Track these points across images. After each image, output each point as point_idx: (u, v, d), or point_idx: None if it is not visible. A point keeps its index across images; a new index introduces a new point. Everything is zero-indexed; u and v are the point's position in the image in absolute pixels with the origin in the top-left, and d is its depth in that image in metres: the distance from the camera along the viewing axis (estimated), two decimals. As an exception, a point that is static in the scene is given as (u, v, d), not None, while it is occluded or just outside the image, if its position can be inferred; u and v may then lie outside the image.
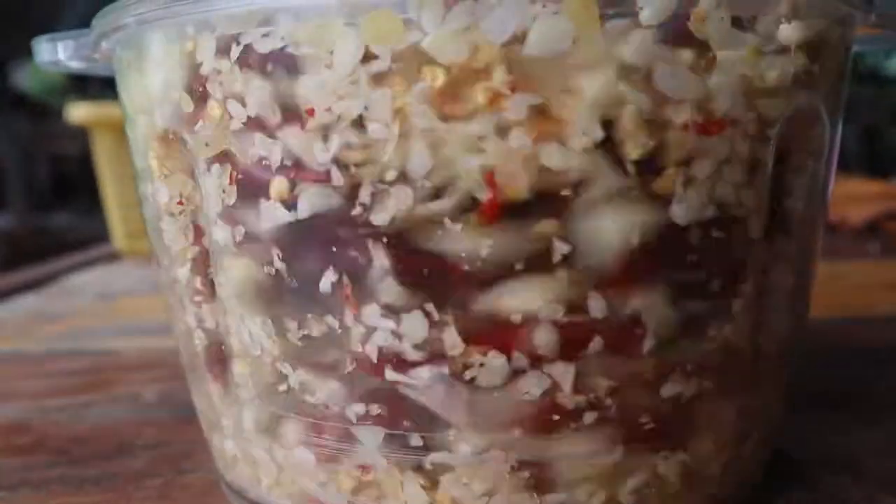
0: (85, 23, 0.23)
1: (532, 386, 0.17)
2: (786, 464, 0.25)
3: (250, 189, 0.18)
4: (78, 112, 0.75)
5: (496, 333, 0.17)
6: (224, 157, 0.18)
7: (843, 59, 0.20)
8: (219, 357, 0.21)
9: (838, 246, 0.71)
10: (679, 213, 0.17)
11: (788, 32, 0.17)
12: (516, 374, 0.17)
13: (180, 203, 0.20)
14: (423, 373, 0.18)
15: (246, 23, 0.17)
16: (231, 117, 0.18)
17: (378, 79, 0.16)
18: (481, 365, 0.17)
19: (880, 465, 0.25)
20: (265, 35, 0.17)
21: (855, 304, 0.49)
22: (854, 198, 0.82)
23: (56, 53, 0.25)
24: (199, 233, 0.20)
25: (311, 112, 0.16)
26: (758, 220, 0.18)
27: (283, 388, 0.20)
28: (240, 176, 0.18)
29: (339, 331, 0.18)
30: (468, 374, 0.17)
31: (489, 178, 0.16)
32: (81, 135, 0.82)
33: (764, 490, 0.23)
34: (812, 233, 0.21)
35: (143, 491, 0.25)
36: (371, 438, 0.19)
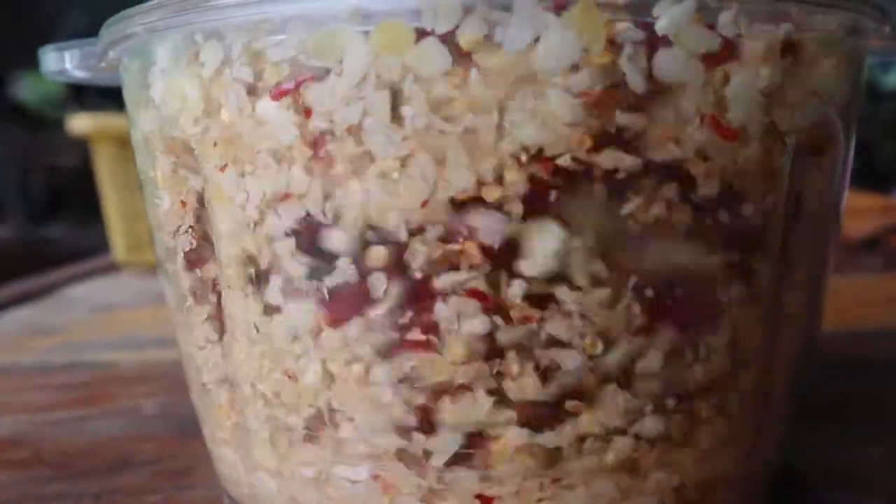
0: (82, 34, 0.23)
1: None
2: (792, 477, 0.25)
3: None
4: (79, 123, 0.75)
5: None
6: (232, 164, 0.18)
7: (857, 72, 0.20)
8: (225, 373, 0.21)
9: (839, 260, 0.71)
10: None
11: (804, 45, 0.17)
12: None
13: (182, 205, 0.20)
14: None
15: (256, 31, 0.17)
16: (239, 125, 0.18)
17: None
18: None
19: (887, 479, 0.25)
20: (277, 44, 0.17)
21: (855, 318, 0.49)
22: (853, 212, 0.82)
23: (63, 63, 0.25)
24: (205, 240, 0.20)
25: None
26: (774, 231, 0.18)
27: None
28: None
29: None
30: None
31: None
32: (79, 146, 0.82)
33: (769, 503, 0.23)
34: (825, 244, 0.21)
35: (143, 507, 0.25)
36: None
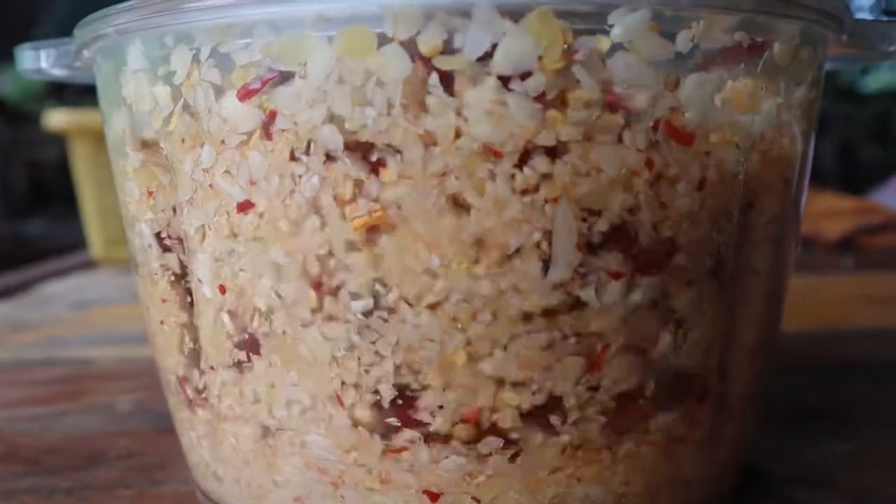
0: (63, 30, 0.23)
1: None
2: (759, 478, 0.25)
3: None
4: (56, 119, 0.75)
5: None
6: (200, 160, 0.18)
7: (815, 77, 0.21)
8: (195, 365, 0.21)
9: (813, 260, 0.72)
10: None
11: (759, 52, 0.18)
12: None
13: (149, 195, 0.20)
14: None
15: (223, 35, 0.17)
16: (206, 124, 0.18)
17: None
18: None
19: (853, 479, 0.25)
20: (244, 47, 0.17)
21: (828, 318, 0.49)
22: (829, 213, 0.83)
23: (38, 61, 0.25)
24: (174, 240, 0.20)
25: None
26: (728, 231, 0.19)
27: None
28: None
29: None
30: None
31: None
32: (60, 141, 0.82)
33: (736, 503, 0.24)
34: (783, 246, 0.22)
35: (115, 501, 0.25)
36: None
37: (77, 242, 0.86)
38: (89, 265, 0.80)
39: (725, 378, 0.21)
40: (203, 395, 0.21)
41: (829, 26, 0.20)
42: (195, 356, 0.21)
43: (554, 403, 0.18)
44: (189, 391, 0.22)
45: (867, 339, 0.44)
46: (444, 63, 0.16)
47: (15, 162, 2.20)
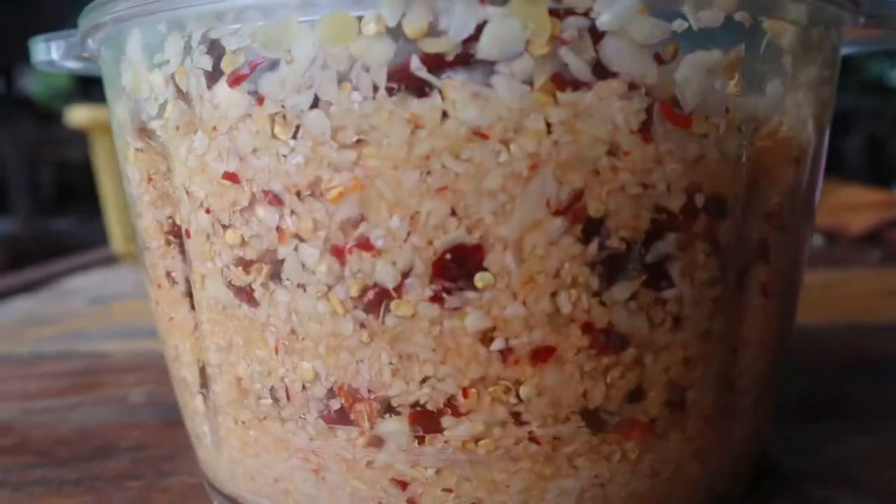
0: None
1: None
2: (776, 474, 0.25)
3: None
4: (78, 115, 0.75)
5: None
6: (193, 147, 0.18)
7: (828, 59, 0.20)
8: (200, 359, 0.21)
9: (838, 254, 0.71)
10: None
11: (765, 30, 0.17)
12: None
13: (150, 180, 0.20)
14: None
15: (214, 20, 0.17)
16: (199, 110, 0.18)
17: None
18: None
19: (873, 475, 0.25)
20: (233, 33, 0.17)
21: (854, 312, 0.48)
22: (854, 206, 0.82)
23: (50, 53, 0.25)
24: (171, 225, 0.20)
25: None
26: (732, 223, 0.18)
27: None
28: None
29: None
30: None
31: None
32: (85, 140, 0.83)
33: (754, 500, 0.23)
34: (795, 238, 0.21)
35: (123, 493, 0.25)
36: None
37: (104, 240, 0.87)
38: (111, 260, 0.80)
39: (733, 370, 0.20)
40: (201, 379, 0.21)
41: (843, 6, 0.19)
42: (194, 340, 0.21)
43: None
44: (188, 374, 0.22)
45: (888, 333, 0.43)
46: (430, 45, 0.15)
47: (42, 161, 2.24)
